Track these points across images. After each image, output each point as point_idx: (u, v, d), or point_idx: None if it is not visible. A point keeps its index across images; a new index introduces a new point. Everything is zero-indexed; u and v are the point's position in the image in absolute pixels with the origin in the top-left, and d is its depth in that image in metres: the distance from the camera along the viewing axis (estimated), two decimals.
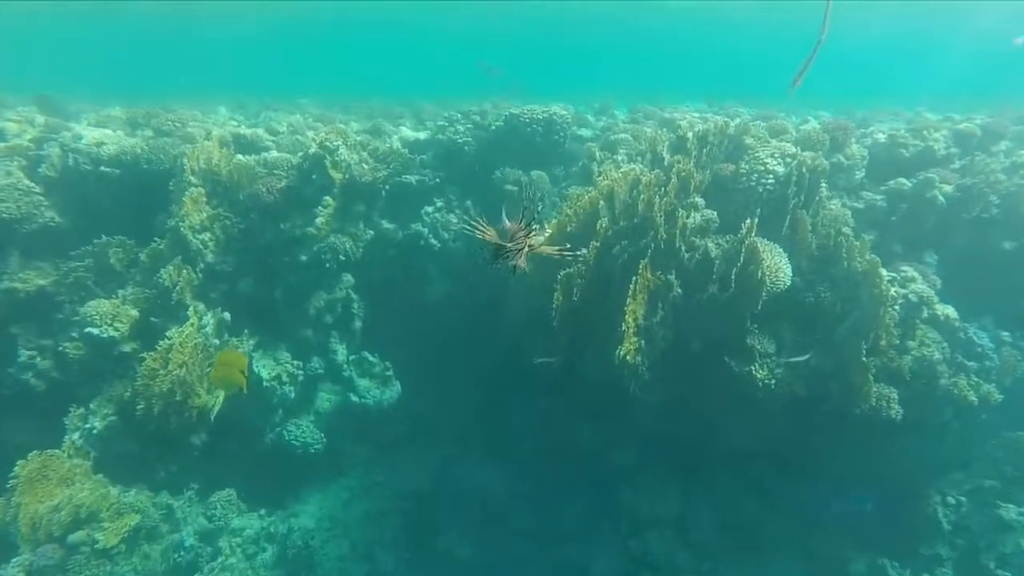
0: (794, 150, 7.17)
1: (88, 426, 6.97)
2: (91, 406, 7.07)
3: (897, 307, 6.45)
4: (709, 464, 7.79)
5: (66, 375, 7.31)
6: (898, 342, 6.48)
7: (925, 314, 6.75)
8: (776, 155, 7.12)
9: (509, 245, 3.07)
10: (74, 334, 7.22)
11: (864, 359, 6.19)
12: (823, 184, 7.07)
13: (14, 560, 6.26)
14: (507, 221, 3.33)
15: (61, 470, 6.72)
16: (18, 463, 6.56)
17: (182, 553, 7.07)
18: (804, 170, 6.84)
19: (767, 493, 7.72)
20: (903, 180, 7.63)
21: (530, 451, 8.77)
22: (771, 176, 7.03)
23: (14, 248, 7.60)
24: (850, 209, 7.38)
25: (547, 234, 3.41)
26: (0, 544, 6.44)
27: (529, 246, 3.03)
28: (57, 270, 7.51)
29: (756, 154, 7.20)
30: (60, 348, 7.27)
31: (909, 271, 6.98)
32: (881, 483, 7.40)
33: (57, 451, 6.77)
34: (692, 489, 7.95)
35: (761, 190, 6.99)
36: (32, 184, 7.45)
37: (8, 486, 6.53)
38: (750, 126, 7.70)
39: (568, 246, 3.44)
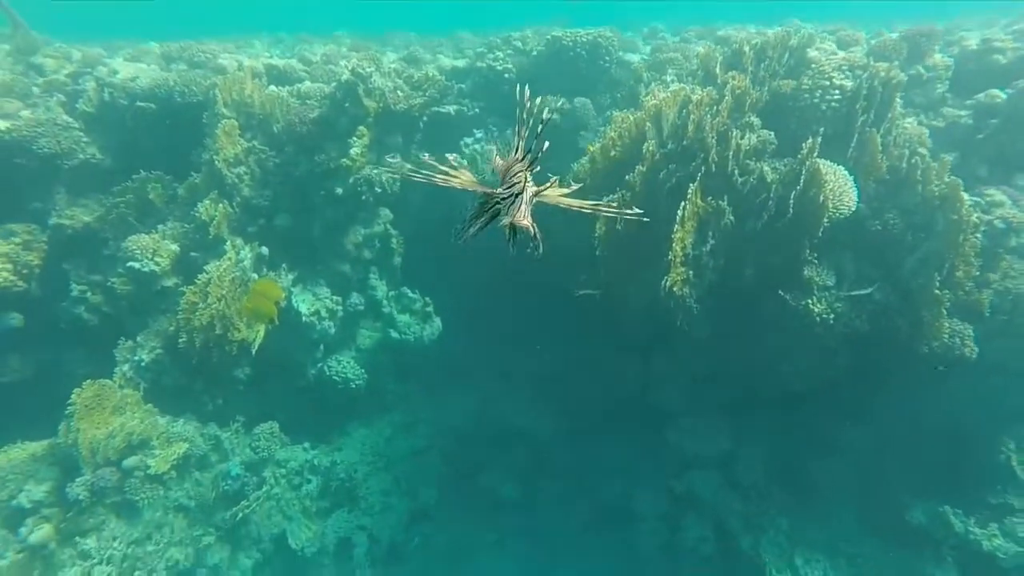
0: (865, 61, 6.42)
1: (137, 358, 7.13)
2: (138, 339, 7.22)
3: (979, 235, 5.80)
4: (759, 405, 7.42)
5: (115, 309, 7.46)
6: (977, 273, 5.86)
7: (1013, 242, 6.06)
8: (844, 68, 6.40)
9: (499, 192, 2.08)
10: (120, 269, 7.33)
11: (937, 291, 5.63)
12: (898, 99, 6.33)
13: (78, 480, 6.57)
14: (497, 157, 2.37)
15: (114, 399, 6.93)
16: (74, 391, 6.79)
17: (229, 482, 7.29)
18: (876, 83, 6.13)
19: (820, 436, 7.32)
20: (996, 91, 6.74)
21: (573, 389, 8.58)
22: (837, 92, 6.34)
23: (60, 185, 7.70)
24: (928, 127, 6.62)
25: (571, 188, 2.26)
26: (66, 463, 6.76)
27: (535, 192, 2.04)
28: (101, 206, 7.59)
29: (821, 68, 6.49)
30: (108, 283, 7.40)
31: (996, 195, 6.25)
32: (948, 428, 6.89)
33: (109, 381, 6.97)
34: (741, 431, 7.63)
35: (825, 107, 6.33)
36: (71, 119, 7.47)
37: (67, 413, 6.80)
38: (815, 37, 6.94)
39: (606, 202, 2.39)
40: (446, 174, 2.14)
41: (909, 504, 6.96)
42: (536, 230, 2.00)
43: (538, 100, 2.04)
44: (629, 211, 2.33)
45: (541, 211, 2.14)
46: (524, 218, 1.97)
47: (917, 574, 6.60)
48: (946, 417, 6.77)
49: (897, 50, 6.90)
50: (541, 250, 2.04)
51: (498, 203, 2.09)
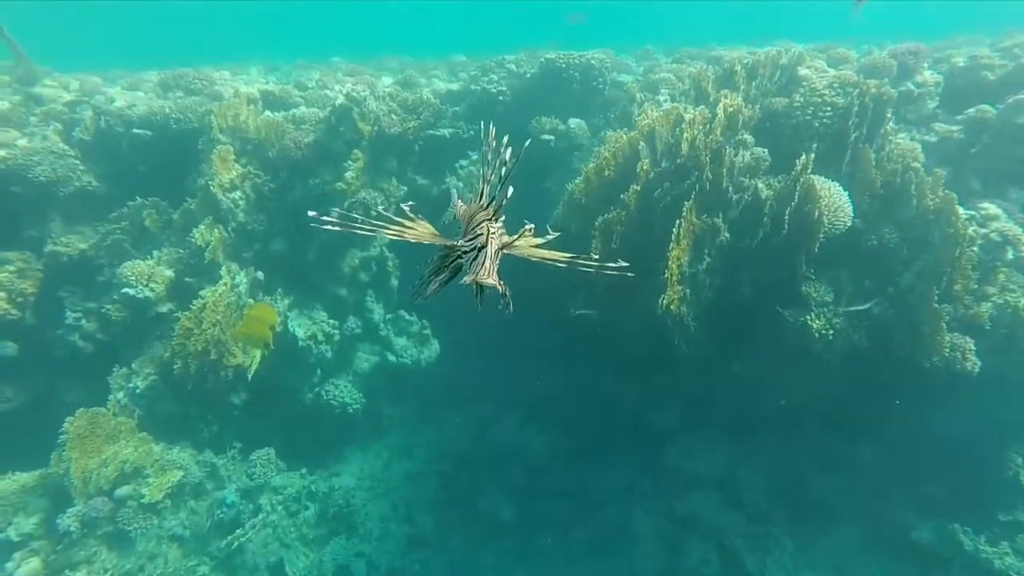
0: (856, 78, 6.47)
1: (131, 385, 7.08)
2: (133, 366, 7.18)
3: (975, 248, 5.78)
4: (759, 424, 7.34)
5: (109, 336, 7.42)
6: (976, 287, 5.83)
7: (1010, 255, 6.04)
8: (835, 85, 6.45)
9: (460, 245, 1.86)
10: (115, 296, 7.30)
11: (936, 305, 5.60)
12: (889, 115, 6.37)
13: (69, 511, 6.48)
14: (459, 202, 2.20)
15: (108, 427, 6.86)
16: (67, 420, 6.72)
17: (224, 510, 7.17)
18: (867, 99, 6.17)
19: (822, 455, 7.23)
20: (986, 107, 6.79)
21: (571, 410, 8.49)
22: (829, 108, 6.38)
23: (56, 212, 7.71)
24: (920, 142, 6.64)
25: (548, 237, 1.97)
26: (57, 494, 6.66)
27: (503, 245, 1.79)
28: (97, 233, 7.59)
29: (812, 85, 6.54)
30: (103, 310, 7.37)
31: (990, 208, 6.25)
32: (951, 444, 6.80)
33: (103, 409, 6.90)
34: (741, 451, 7.53)
35: (817, 124, 6.36)
36: (67, 147, 7.50)
37: (59, 441, 6.71)
38: (805, 55, 7.00)
39: (585, 255, 1.96)
40: (400, 226, 1.90)
41: (915, 523, 6.84)
42: (504, 287, 1.77)
43: (504, 140, 1.83)
44: (612, 265, 2.01)
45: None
46: (489, 275, 1.73)
47: None
48: (949, 433, 6.68)
49: (887, 67, 6.96)
50: (511, 309, 1.84)
51: (460, 257, 1.86)
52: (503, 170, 1.80)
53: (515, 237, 1.82)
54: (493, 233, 1.78)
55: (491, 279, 1.72)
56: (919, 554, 6.69)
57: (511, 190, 1.76)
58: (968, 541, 6.53)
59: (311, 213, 1.87)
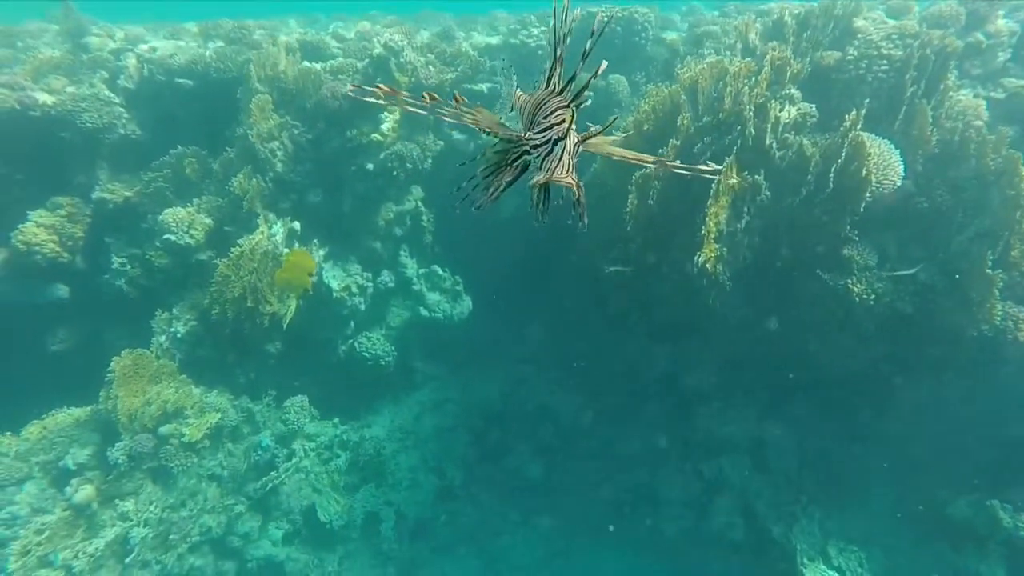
0: (917, 28, 6.08)
1: (172, 330, 7.31)
2: (174, 311, 7.40)
3: None
4: (793, 390, 7.18)
5: (152, 281, 7.65)
6: None
7: None
8: (894, 36, 6.07)
9: (530, 137, 1.56)
10: (157, 242, 7.51)
11: (988, 271, 5.32)
12: (952, 69, 5.98)
13: (117, 445, 6.79)
14: (518, 91, 1.89)
15: (151, 368, 7.12)
16: (114, 359, 7.00)
17: (260, 452, 7.43)
18: (928, 51, 5.80)
19: (856, 424, 7.04)
20: None
21: (602, 370, 8.47)
22: (885, 62, 6.03)
23: (103, 160, 7.91)
24: (985, 99, 6.22)
25: (617, 137, 1.65)
26: (106, 429, 7.00)
27: (581, 139, 1.51)
28: (140, 180, 7.77)
29: (868, 37, 6.17)
30: (146, 256, 7.59)
31: None
32: (992, 419, 6.54)
33: (146, 350, 7.16)
34: (773, 416, 7.41)
35: (871, 78, 6.03)
36: (112, 95, 7.65)
37: (107, 380, 7.02)
38: (862, 5, 6.59)
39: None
40: (457, 111, 1.63)
41: (950, 498, 6.65)
42: (580, 191, 1.49)
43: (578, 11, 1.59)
44: (704, 168, 1.75)
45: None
46: (568, 174, 1.44)
47: (957, 568, 6.30)
48: (991, 408, 6.42)
49: (954, 16, 6.50)
50: (586, 221, 1.57)
51: (527, 152, 1.56)
52: (586, 44, 1.43)
53: (597, 129, 1.53)
54: (573, 123, 1.48)
55: (570, 177, 1.45)
56: (953, 529, 6.52)
57: (604, 64, 1.45)
58: (1008, 518, 6.33)
59: (350, 86, 1.71)
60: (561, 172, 1.45)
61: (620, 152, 1.71)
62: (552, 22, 1.63)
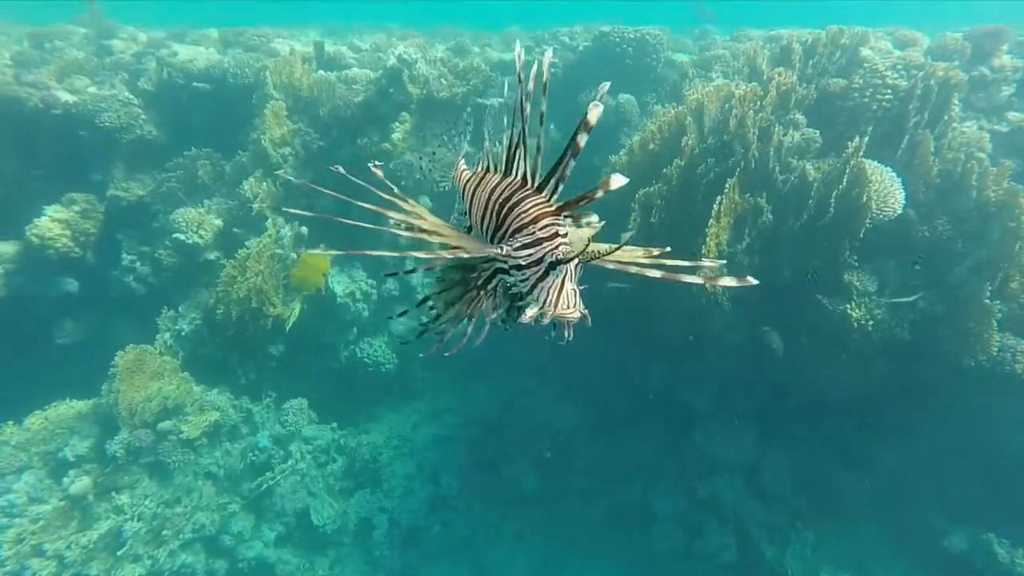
0: (922, 60, 6.16)
1: (177, 328, 7.43)
2: (180, 309, 7.53)
3: None
4: (791, 413, 7.17)
5: (160, 280, 7.80)
6: None
7: None
8: (899, 67, 6.16)
9: (513, 255, 1.25)
10: (167, 241, 7.66)
11: (987, 302, 5.34)
12: (956, 101, 6.05)
13: (116, 438, 6.88)
14: (463, 164, 1.52)
15: (153, 364, 7.22)
16: (118, 353, 7.11)
17: (257, 453, 7.48)
18: (932, 83, 5.87)
19: (852, 450, 7.01)
20: None
21: (601, 386, 8.48)
22: (889, 91, 6.10)
23: (119, 159, 8.10)
24: (989, 132, 6.28)
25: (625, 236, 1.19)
26: (107, 422, 7.09)
27: (594, 253, 1.20)
28: (154, 180, 7.94)
29: (874, 66, 6.26)
30: (156, 254, 7.74)
31: None
32: (990, 450, 6.51)
33: (150, 347, 7.27)
34: (770, 438, 7.39)
35: (876, 107, 6.10)
36: (132, 96, 7.85)
37: (110, 374, 7.12)
38: (869, 35, 6.69)
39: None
40: (402, 210, 1.32)
41: (946, 529, 6.60)
42: (588, 319, 1.22)
43: (547, 55, 1.21)
44: (730, 281, 1.35)
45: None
46: (574, 307, 1.19)
47: None
48: (989, 439, 6.40)
49: (959, 50, 6.59)
50: (589, 322, 1.27)
51: (506, 272, 1.24)
52: (572, 137, 1.11)
53: (611, 248, 1.18)
54: (565, 238, 1.17)
55: (578, 311, 1.19)
56: (948, 561, 6.47)
57: (603, 87, 1.18)
58: (1004, 553, 6.28)
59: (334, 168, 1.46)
60: (566, 307, 1.20)
61: (625, 260, 1.37)
62: (516, 74, 1.30)
